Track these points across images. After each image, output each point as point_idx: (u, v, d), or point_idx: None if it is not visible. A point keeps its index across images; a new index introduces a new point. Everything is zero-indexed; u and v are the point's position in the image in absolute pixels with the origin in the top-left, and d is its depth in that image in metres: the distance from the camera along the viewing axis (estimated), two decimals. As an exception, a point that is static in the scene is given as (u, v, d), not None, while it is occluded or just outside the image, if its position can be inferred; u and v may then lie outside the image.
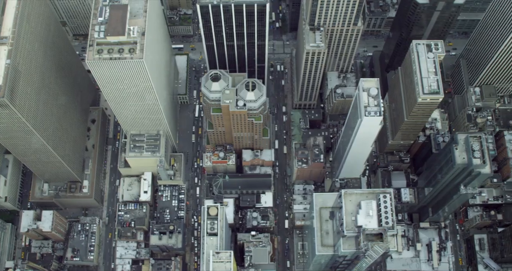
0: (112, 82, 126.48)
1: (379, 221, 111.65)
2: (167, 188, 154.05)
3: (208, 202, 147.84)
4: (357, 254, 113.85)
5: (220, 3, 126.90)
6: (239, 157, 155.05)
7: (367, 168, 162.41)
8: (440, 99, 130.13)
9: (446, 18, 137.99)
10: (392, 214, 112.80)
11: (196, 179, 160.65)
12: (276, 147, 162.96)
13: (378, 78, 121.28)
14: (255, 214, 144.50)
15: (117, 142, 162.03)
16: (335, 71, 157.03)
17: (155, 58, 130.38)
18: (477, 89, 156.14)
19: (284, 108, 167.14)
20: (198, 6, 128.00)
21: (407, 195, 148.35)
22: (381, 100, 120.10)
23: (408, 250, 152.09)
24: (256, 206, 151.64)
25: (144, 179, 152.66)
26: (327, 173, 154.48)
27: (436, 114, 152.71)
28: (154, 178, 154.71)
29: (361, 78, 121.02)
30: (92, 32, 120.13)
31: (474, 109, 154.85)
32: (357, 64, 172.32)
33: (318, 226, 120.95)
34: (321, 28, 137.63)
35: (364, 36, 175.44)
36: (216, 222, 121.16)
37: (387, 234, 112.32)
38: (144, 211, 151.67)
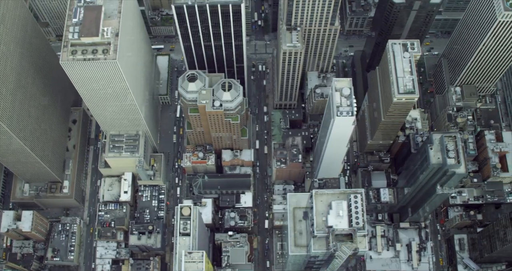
0: (87, 83, 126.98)
1: (350, 221, 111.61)
2: (147, 188, 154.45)
3: (187, 202, 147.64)
4: (328, 255, 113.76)
5: (194, 3, 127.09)
6: (219, 157, 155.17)
7: (348, 168, 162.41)
8: (416, 99, 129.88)
9: (423, 17, 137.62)
10: (363, 214, 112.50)
11: (176, 179, 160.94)
12: (257, 147, 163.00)
13: (351, 78, 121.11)
14: (233, 214, 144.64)
15: (99, 142, 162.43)
16: (315, 71, 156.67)
17: (130, 58, 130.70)
18: (458, 89, 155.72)
19: (265, 108, 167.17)
20: (173, 7, 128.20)
21: (386, 195, 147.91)
22: (354, 100, 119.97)
23: (388, 250, 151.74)
24: (236, 206, 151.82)
25: (125, 179, 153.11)
26: (308, 173, 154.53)
27: (416, 114, 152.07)
28: (135, 178, 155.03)
29: (334, 78, 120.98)
30: (67, 33, 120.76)
31: (455, 109, 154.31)
32: (339, 64, 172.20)
33: (292, 226, 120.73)
34: (298, 28, 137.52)
35: (347, 36, 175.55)
36: (189, 222, 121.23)
37: (357, 235, 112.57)
38: (124, 211, 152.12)
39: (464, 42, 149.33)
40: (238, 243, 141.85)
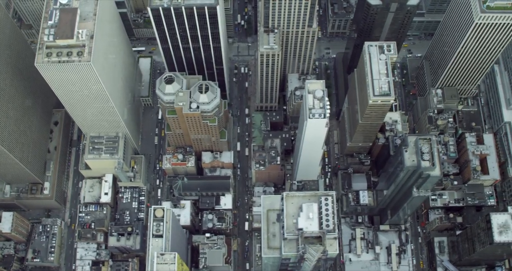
0: (64, 85, 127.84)
1: (320, 224, 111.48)
2: (127, 190, 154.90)
3: (166, 204, 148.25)
4: (299, 257, 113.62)
5: (170, 6, 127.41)
6: (199, 159, 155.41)
7: (329, 170, 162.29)
8: (391, 101, 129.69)
9: (401, 19, 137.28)
10: (333, 217, 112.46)
11: (157, 181, 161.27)
12: (238, 149, 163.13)
13: (324, 80, 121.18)
14: (210, 216, 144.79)
15: (81, 144, 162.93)
16: (296, 73, 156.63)
17: (107, 60, 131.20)
18: (439, 91, 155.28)
19: (247, 110, 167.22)
20: (149, 9, 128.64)
21: (365, 198, 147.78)
22: (327, 103, 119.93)
23: (367, 253, 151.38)
24: (216, 208, 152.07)
25: (105, 181, 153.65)
26: (288, 175, 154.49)
27: (396, 116, 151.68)
28: (116, 179, 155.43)
29: (307, 80, 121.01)
30: (42, 36, 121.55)
31: (436, 111, 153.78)
32: (321, 66, 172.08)
33: (265, 229, 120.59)
34: (276, 31, 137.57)
35: (330, 38, 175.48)
36: (162, 223, 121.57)
37: (327, 237, 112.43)
38: (105, 212, 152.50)
39: (444, 44, 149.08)
40: (215, 245, 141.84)
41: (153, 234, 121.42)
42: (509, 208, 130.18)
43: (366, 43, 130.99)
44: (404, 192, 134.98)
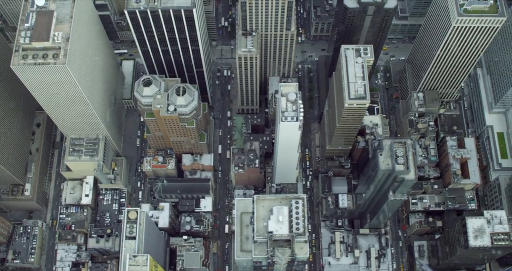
0: (41, 87, 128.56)
1: (290, 227, 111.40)
2: (108, 192, 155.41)
3: (145, 206, 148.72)
4: (269, 260, 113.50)
5: (147, 9, 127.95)
6: (179, 161, 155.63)
7: (310, 173, 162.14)
8: (367, 105, 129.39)
9: (380, 22, 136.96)
10: (303, 220, 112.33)
11: (139, 183, 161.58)
12: (220, 151, 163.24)
13: (297, 83, 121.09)
14: (188, 219, 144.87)
15: (63, 146, 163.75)
16: (277, 76, 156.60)
17: (85, 63, 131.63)
18: (421, 95, 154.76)
19: (229, 113, 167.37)
20: (126, 12, 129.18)
21: (345, 201, 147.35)
22: (301, 106, 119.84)
23: (347, 256, 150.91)
24: (196, 211, 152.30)
25: (86, 183, 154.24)
26: (269, 178, 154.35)
27: (377, 119, 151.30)
28: (97, 181, 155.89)
29: (280, 83, 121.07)
30: (19, 38, 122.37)
31: (417, 115, 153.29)
32: (304, 69, 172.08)
33: (239, 231, 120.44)
34: (254, 33, 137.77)
35: (313, 41, 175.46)
36: (135, 225, 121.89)
37: (297, 240, 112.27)
38: (85, 214, 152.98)
39: (425, 47, 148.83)
40: (193, 247, 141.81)
41: (126, 236, 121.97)
42: (485, 212, 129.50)
43: (343, 46, 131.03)
44: (381, 195, 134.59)
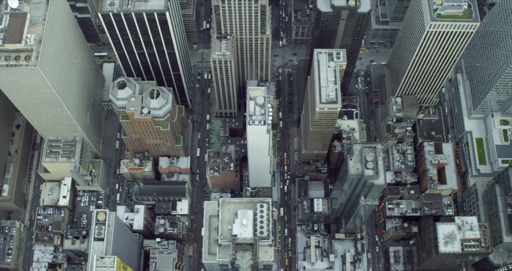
0: (14, 89, 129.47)
1: (254, 230, 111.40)
2: (86, 194, 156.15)
3: (121, 208, 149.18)
4: (233, 263, 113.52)
5: (120, 12, 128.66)
6: (157, 164, 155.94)
7: (288, 177, 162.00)
8: (339, 109, 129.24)
9: (354, 27, 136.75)
10: (268, 224, 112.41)
11: (117, 185, 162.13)
12: (198, 155, 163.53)
13: (266, 87, 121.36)
14: (162, 221, 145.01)
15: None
16: (255, 80, 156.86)
17: (59, 65, 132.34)
18: (399, 99, 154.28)
19: (208, 117, 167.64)
20: (99, 15, 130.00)
21: (320, 205, 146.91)
22: (270, 109, 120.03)
23: (322, 261, 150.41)
24: (172, 213, 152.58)
25: (64, 184, 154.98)
26: (246, 181, 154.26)
27: (354, 124, 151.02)
28: (75, 183, 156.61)
29: (248, 87, 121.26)
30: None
31: (394, 120, 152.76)
32: (284, 73, 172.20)
33: (207, 234, 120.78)
34: (228, 37, 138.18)
35: (294, 45, 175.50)
36: (103, 227, 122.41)
37: (261, 244, 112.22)
38: (62, 215, 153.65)
39: (402, 52, 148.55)
40: (166, 250, 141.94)
41: (94, 237, 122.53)
42: (456, 218, 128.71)
43: (316, 51, 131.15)
44: (353, 200, 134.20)
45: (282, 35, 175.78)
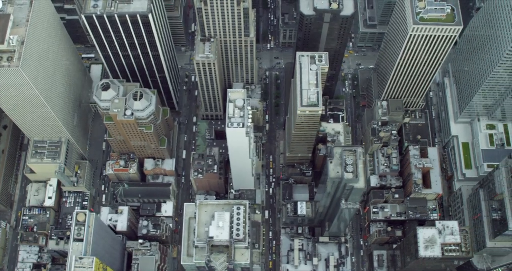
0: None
1: (231, 232, 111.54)
2: (71, 194, 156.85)
3: (105, 210, 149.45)
4: (208, 265, 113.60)
5: (103, 13, 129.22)
6: (143, 165, 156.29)
7: (273, 180, 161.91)
8: (320, 112, 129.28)
9: (337, 30, 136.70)
10: (244, 226, 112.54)
11: (103, 187, 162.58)
12: (184, 157, 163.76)
13: (245, 90, 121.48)
14: (145, 223, 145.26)
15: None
16: (241, 82, 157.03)
17: (42, 66, 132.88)
18: (384, 103, 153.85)
19: (194, 119, 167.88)
20: (83, 17, 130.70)
21: (303, 208, 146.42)
22: (249, 112, 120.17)
23: (305, 264, 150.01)
24: (156, 215, 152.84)
25: (50, 185, 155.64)
26: (231, 184, 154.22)
27: (339, 127, 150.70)
28: (61, 184, 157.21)
29: (228, 89, 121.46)
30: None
31: (380, 123, 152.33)
32: (272, 76, 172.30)
33: (186, 236, 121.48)
34: (212, 39, 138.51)
35: (282, 48, 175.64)
36: (83, 227, 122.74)
37: (237, 246, 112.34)
38: (48, 216, 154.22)
39: (387, 56, 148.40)
40: (148, 251, 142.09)
41: (74, 238, 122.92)
42: (436, 222, 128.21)
43: (298, 53, 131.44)
44: (335, 203, 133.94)
45: (270, 38, 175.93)
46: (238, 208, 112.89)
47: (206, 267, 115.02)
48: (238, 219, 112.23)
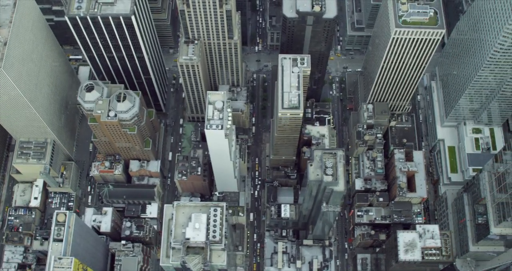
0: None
1: (207, 234, 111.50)
2: (57, 195, 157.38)
3: (89, 210, 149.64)
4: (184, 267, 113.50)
5: (87, 15, 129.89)
6: (128, 167, 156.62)
7: (259, 182, 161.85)
8: (301, 115, 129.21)
9: (320, 32, 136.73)
10: (221, 228, 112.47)
11: (89, 188, 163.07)
12: (170, 158, 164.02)
13: (225, 92, 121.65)
14: (128, 224, 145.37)
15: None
16: (226, 84, 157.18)
17: (25, 67, 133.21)
18: (370, 106, 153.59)
19: (181, 121, 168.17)
20: (66, 18, 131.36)
21: (287, 211, 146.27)
22: (229, 114, 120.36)
23: (289, 267, 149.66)
24: (141, 216, 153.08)
25: (36, 186, 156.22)
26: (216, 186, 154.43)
27: (324, 130, 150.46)
28: (46, 184, 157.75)
29: (208, 91, 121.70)
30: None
31: (365, 127, 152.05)
32: (259, 78, 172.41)
33: (165, 237, 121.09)
34: (196, 41, 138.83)
35: (270, 51, 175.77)
36: (63, 228, 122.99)
37: (213, 248, 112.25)
38: (33, 216, 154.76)
39: (373, 59, 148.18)
40: (131, 252, 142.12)
41: (53, 238, 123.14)
42: (417, 226, 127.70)
43: (280, 56, 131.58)
44: (317, 206, 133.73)
45: (258, 41, 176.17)
46: (215, 210, 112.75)
47: (182, 268, 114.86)
48: (215, 220, 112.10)
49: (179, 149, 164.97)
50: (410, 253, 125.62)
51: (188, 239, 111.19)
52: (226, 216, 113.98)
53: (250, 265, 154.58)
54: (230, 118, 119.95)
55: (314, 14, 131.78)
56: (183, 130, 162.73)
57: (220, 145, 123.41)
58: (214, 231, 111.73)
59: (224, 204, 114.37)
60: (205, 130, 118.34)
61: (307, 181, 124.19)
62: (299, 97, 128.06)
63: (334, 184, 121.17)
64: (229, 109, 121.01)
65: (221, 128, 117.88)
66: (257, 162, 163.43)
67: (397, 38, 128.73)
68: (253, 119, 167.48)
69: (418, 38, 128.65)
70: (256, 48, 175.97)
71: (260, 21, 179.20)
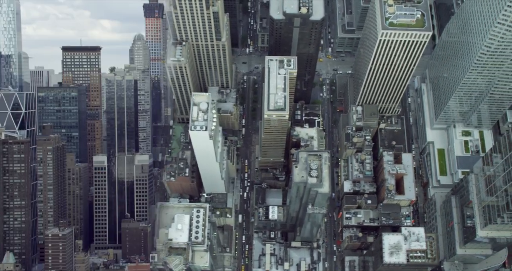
0: None
1: (190, 235, 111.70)
2: None
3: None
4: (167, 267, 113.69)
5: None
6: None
7: (248, 184, 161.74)
8: (286, 116, 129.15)
9: (308, 34, 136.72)
10: (203, 229, 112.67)
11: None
12: (160, 159, 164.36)
13: (210, 93, 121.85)
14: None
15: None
16: (216, 86, 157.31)
17: None
18: (359, 108, 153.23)
19: (171, 122, 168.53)
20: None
21: (275, 213, 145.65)
22: (214, 116, 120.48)
23: (276, 268, 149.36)
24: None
25: None
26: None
27: (313, 132, 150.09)
28: None
29: (193, 93, 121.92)
30: None
31: (354, 129, 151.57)
32: (250, 80, 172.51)
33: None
34: (184, 43, 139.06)
35: (261, 53, 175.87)
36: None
37: (195, 249, 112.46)
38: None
39: (361, 61, 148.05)
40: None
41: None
42: (402, 229, 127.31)
43: (267, 58, 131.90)
44: (303, 208, 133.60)
45: (249, 43, 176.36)
46: (198, 211, 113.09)
47: (165, 269, 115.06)
48: (197, 221, 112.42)
49: (169, 150, 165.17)
50: (395, 256, 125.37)
51: (171, 239, 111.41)
52: (209, 217, 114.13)
53: (238, 266, 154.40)
54: (215, 119, 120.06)
55: (301, 16, 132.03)
56: (173, 131, 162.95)
57: (205, 146, 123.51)
58: (197, 232, 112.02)
59: (207, 205, 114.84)
60: (189, 131, 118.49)
61: (292, 182, 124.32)
62: (285, 99, 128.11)
63: (319, 186, 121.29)
64: (214, 111, 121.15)
65: (206, 130, 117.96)
66: (246, 164, 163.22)
67: (384, 40, 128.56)
68: (243, 121, 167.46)
69: (405, 40, 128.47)
70: (247, 50, 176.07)
71: (252, 23, 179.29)
